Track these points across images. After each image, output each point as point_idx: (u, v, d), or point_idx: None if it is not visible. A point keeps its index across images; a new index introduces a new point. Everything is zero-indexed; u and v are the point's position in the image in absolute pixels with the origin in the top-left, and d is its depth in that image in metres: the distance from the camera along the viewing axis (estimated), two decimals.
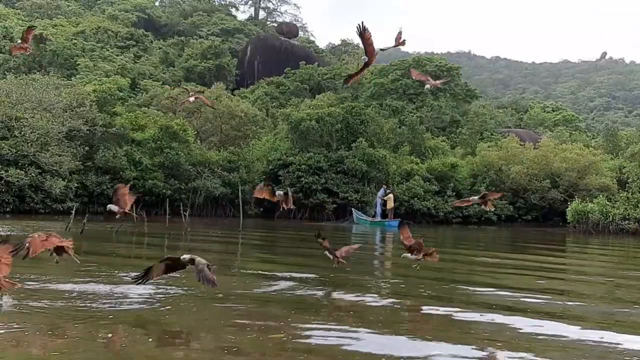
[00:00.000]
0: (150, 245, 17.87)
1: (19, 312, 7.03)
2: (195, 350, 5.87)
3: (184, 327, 6.85)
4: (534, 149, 41.65)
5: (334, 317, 7.73)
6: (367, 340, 6.55)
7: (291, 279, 10.44)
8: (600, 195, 34.38)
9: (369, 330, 7.00)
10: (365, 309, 8.49)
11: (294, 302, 8.65)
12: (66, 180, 28.15)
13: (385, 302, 9.07)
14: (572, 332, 7.36)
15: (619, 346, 6.77)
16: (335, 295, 9.44)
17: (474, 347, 6.44)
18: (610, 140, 50.64)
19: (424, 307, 8.69)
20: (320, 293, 9.46)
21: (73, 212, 20.92)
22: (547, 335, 7.11)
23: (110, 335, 6.22)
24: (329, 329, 7.00)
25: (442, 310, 8.44)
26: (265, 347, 6.10)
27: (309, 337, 6.60)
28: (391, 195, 33.75)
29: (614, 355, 6.38)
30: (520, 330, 7.33)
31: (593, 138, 58.33)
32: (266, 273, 11.35)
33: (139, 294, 8.27)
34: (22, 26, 59.11)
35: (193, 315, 7.39)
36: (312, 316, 7.70)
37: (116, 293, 8.38)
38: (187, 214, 25.80)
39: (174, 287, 8.91)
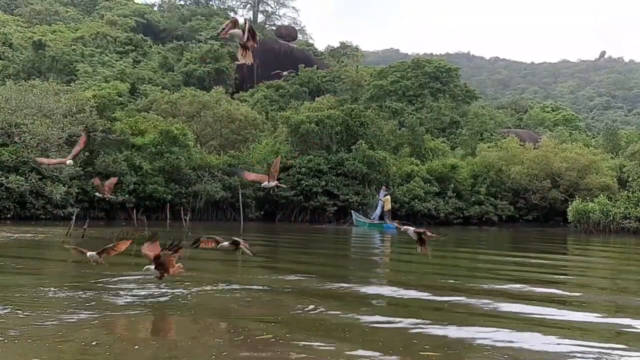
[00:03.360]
0: None
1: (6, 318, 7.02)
2: (213, 333, 5.85)
3: (200, 310, 6.93)
4: (534, 149, 41.60)
5: (338, 305, 7.80)
6: (374, 321, 6.85)
7: (295, 277, 10.45)
8: (601, 195, 34.30)
9: (374, 315, 7.24)
10: (369, 298, 8.59)
11: (299, 293, 8.67)
12: (66, 185, 28.10)
13: (388, 292, 9.19)
14: (577, 316, 7.49)
15: (625, 328, 6.91)
16: (339, 286, 9.52)
17: (478, 329, 6.48)
18: (610, 140, 50.61)
19: (425, 296, 8.76)
20: (324, 285, 9.52)
21: (74, 217, 20.93)
22: (552, 319, 7.22)
23: (115, 332, 6.21)
24: (336, 314, 7.23)
25: (443, 298, 8.51)
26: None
27: (313, 323, 6.62)
28: (388, 197, 33.63)
29: (624, 334, 6.50)
30: (525, 315, 7.43)
31: (593, 137, 58.36)
32: (268, 270, 11.40)
33: (138, 296, 8.28)
34: (21, 32, 59.34)
35: (207, 300, 7.41)
36: (317, 305, 7.76)
37: (113, 297, 8.39)
38: (187, 218, 25.83)
39: (172, 286, 8.92)
